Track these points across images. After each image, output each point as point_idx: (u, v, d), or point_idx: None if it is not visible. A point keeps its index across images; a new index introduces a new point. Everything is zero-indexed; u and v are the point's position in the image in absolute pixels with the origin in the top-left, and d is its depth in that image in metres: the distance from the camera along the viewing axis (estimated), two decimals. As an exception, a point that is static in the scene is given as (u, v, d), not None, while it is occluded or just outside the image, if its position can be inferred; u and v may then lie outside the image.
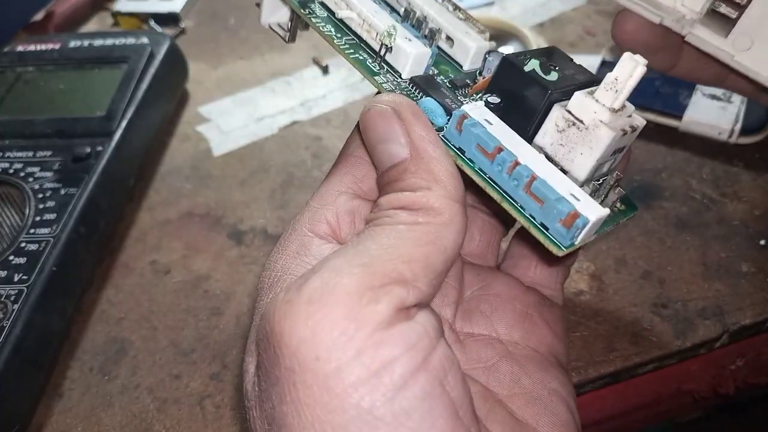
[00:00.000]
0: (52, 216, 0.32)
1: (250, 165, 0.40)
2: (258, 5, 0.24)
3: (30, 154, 0.36)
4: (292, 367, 0.15)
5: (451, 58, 0.22)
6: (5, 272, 0.30)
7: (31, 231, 0.32)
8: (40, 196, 0.33)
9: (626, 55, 0.18)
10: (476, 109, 0.19)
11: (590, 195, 0.18)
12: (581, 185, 0.19)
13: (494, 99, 0.20)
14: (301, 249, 0.19)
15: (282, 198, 0.37)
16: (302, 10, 0.22)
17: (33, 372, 0.29)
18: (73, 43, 0.42)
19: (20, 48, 0.43)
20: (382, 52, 0.21)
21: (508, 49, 0.24)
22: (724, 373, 0.33)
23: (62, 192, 0.33)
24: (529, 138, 0.19)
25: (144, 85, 0.39)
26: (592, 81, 0.20)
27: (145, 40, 0.42)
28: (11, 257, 0.31)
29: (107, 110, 0.37)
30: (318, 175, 0.38)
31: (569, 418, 0.21)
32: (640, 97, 0.37)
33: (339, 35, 0.21)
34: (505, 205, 0.19)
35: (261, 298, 0.19)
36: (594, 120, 0.18)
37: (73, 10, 0.52)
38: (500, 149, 0.18)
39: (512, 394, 0.21)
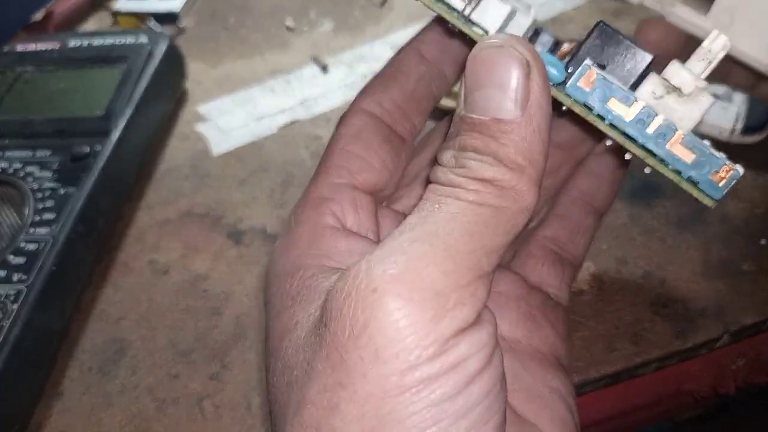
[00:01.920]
0: (51, 216, 0.32)
1: (249, 164, 0.40)
2: None
3: (29, 153, 0.36)
4: (368, 358, 0.15)
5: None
6: (4, 272, 0.30)
7: (30, 231, 0.32)
8: (39, 195, 0.33)
9: (716, 30, 0.18)
10: (595, 68, 0.18)
11: None
12: None
13: (601, 62, 0.19)
14: (315, 240, 0.19)
15: (281, 197, 0.37)
16: None
17: (32, 372, 0.29)
18: (72, 43, 0.42)
19: (20, 48, 0.43)
20: (466, 12, 0.19)
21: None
22: (725, 373, 0.33)
23: (61, 191, 0.33)
24: None
25: (143, 85, 0.39)
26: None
27: (144, 39, 0.41)
28: (10, 257, 0.31)
29: (106, 110, 0.37)
30: (317, 175, 0.38)
31: (569, 418, 0.21)
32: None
33: None
34: (650, 161, 0.19)
35: (275, 286, 0.19)
36: (695, 86, 0.18)
37: (72, 9, 0.52)
38: (642, 105, 0.18)
39: (513, 390, 0.21)
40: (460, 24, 0.20)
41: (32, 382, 0.29)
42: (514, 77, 0.17)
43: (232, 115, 0.43)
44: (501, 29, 0.19)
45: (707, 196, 0.18)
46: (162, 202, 0.38)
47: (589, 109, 0.19)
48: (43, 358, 0.30)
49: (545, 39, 0.21)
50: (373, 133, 0.22)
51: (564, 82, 0.19)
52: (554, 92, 0.19)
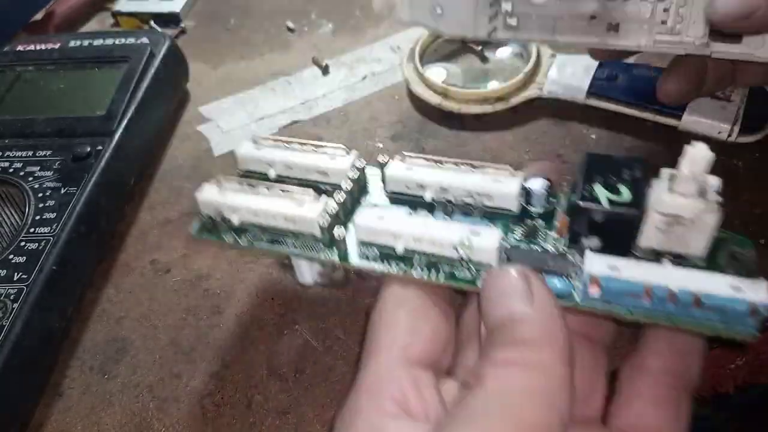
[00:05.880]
0: (51, 215, 0.32)
1: (250, 164, 0.40)
2: (286, 265, 0.25)
3: (30, 153, 0.36)
4: None
5: (499, 209, 0.23)
6: (5, 271, 0.30)
7: (31, 230, 0.32)
8: (40, 195, 0.33)
9: (690, 150, 0.18)
10: (596, 264, 0.19)
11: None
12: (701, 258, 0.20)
13: (594, 242, 0.20)
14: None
15: (282, 197, 0.37)
16: (356, 263, 0.22)
17: (33, 371, 0.29)
18: (73, 43, 0.42)
19: (20, 47, 0.43)
20: (465, 257, 0.21)
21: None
22: (724, 373, 0.33)
23: (62, 191, 0.33)
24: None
25: (144, 85, 0.39)
26: (646, 166, 0.21)
27: (145, 39, 0.42)
28: (11, 256, 0.31)
29: (107, 110, 0.37)
30: (318, 175, 0.38)
31: None
32: (638, 96, 0.37)
33: (406, 266, 0.22)
34: (683, 329, 0.19)
35: None
36: (694, 212, 0.19)
37: (73, 10, 0.52)
38: (650, 289, 0.19)
39: None
40: (468, 288, 0.21)
41: (33, 381, 0.29)
42: (517, 284, 0.19)
43: (233, 115, 0.43)
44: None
45: (747, 334, 0.19)
46: (163, 202, 0.38)
47: (609, 303, 0.19)
48: (43, 358, 0.30)
49: (539, 190, 0.22)
50: (417, 299, 0.21)
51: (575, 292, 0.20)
52: (570, 305, 0.20)
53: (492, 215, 0.23)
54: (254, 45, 0.49)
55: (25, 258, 0.30)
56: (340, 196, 0.23)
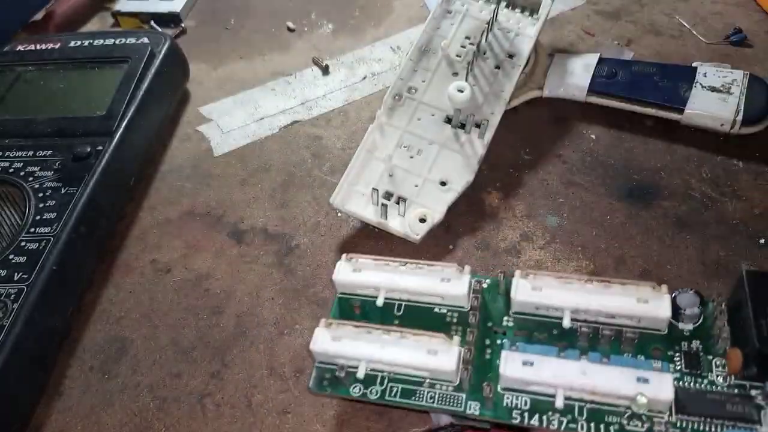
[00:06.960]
0: (52, 215, 0.32)
1: (250, 164, 0.40)
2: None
3: (30, 153, 0.36)
4: None
5: (648, 329, 0.21)
6: (5, 271, 0.30)
7: (31, 230, 0.32)
8: (40, 195, 0.33)
9: None
10: None
11: None
12: None
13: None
14: None
15: (282, 197, 0.37)
16: (509, 420, 0.20)
17: (33, 371, 0.29)
18: (73, 43, 0.42)
19: (20, 47, 0.43)
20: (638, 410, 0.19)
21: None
22: (724, 372, 0.33)
23: (62, 191, 0.33)
24: None
25: (144, 85, 0.39)
26: None
27: (145, 39, 0.42)
28: (11, 256, 0.31)
29: (107, 110, 0.37)
30: (318, 174, 0.38)
31: None
32: (640, 92, 0.37)
33: (568, 420, 0.20)
34: None
35: None
36: None
37: (73, 10, 0.52)
38: None
39: None
40: None
41: (33, 381, 0.29)
42: None
43: (234, 115, 0.43)
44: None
45: None
46: (163, 202, 0.38)
47: None
48: (43, 358, 0.30)
49: (690, 302, 0.21)
50: None
51: None
52: None
53: (640, 335, 0.21)
54: (254, 45, 0.49)
55: (25, 258, 0.30)
56: (472, 335, 0.21)
